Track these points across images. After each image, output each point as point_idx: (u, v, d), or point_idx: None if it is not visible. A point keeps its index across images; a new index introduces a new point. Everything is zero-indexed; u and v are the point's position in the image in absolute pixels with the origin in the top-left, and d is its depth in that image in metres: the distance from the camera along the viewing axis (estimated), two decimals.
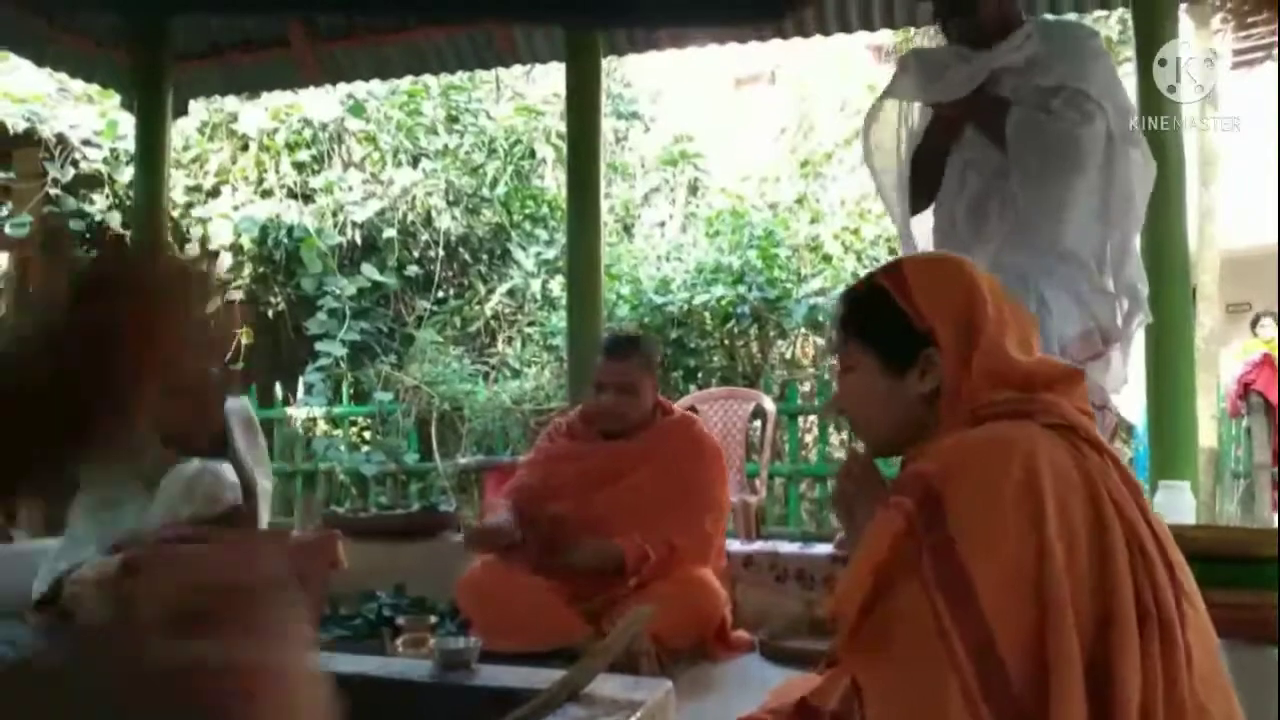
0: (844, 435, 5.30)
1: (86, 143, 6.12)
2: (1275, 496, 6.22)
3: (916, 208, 2.58)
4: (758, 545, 3.41)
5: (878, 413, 1.32)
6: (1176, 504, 2.81)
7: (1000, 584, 1.01)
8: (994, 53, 2.39)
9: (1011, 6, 2.48)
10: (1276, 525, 5.13)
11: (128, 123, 5.32)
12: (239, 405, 3.62)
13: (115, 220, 6.13)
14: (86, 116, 6.21)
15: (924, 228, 2.63)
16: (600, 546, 2.66)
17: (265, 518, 3.57)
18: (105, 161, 6.15)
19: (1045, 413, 1.16)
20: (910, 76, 2.50)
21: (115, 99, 5.65)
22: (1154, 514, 1.13)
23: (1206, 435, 6.14)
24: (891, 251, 4.87)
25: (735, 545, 3.32)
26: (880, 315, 1.29)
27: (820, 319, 5.56)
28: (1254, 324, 6.99)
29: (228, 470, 3.27)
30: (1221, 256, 7.07)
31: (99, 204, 6.14)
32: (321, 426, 6.04)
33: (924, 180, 2.54)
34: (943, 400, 1.24)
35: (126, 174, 5.98)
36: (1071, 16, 3.89)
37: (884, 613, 1.07)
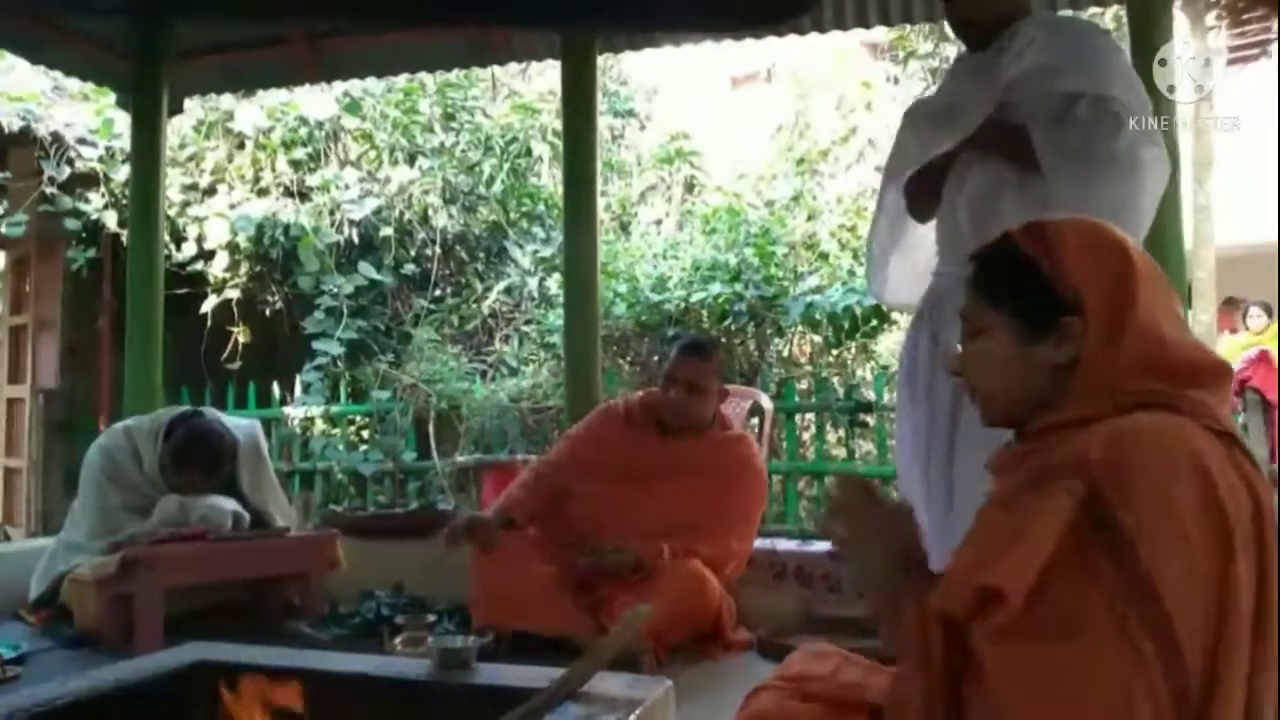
0: (840, 434, 5.31)
1: (82, 141, 6.11)
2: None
3: (924, 218, 2.51)
4: (756, 543, 3.41)
5: (1002, 381, 1.24)
6: None
7: (1185, 592, 0.97)
8: (997, 64, 2.32)
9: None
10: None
11: (123, 121, 5.31)
12: (249, 432, 3.55)
13: (111, 219, 6.12)
14: (82, 115, 6.20)
15: (916, 237, 2.59)
16: (620, 555, 2.69)
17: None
18: (101, 160, 6.13)
19: (1198, 413, 1.08)
20: (912, 139, 2.44)
21: (111, 97, 5.65)
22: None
23: None
24: None
25: None
26: (1020, 274, 1.21)
27: (817, 316, 5.57)
28: (1244, 315, 7.00)
29: (227, 502, 3.29)
30: (1217, 254, 7.09)
31: (95, 203, 6.13)
32: (319, 426, 6.04)
33: (927, 190, 2.45)
34: (1078, 375, 1.15)
35: (122, 172, 5.96)
36: (1067, 13, 3.89)
37: (1045, 604, 1.00)
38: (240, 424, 3.54)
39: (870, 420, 5.15)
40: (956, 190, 2.37)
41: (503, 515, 2.87)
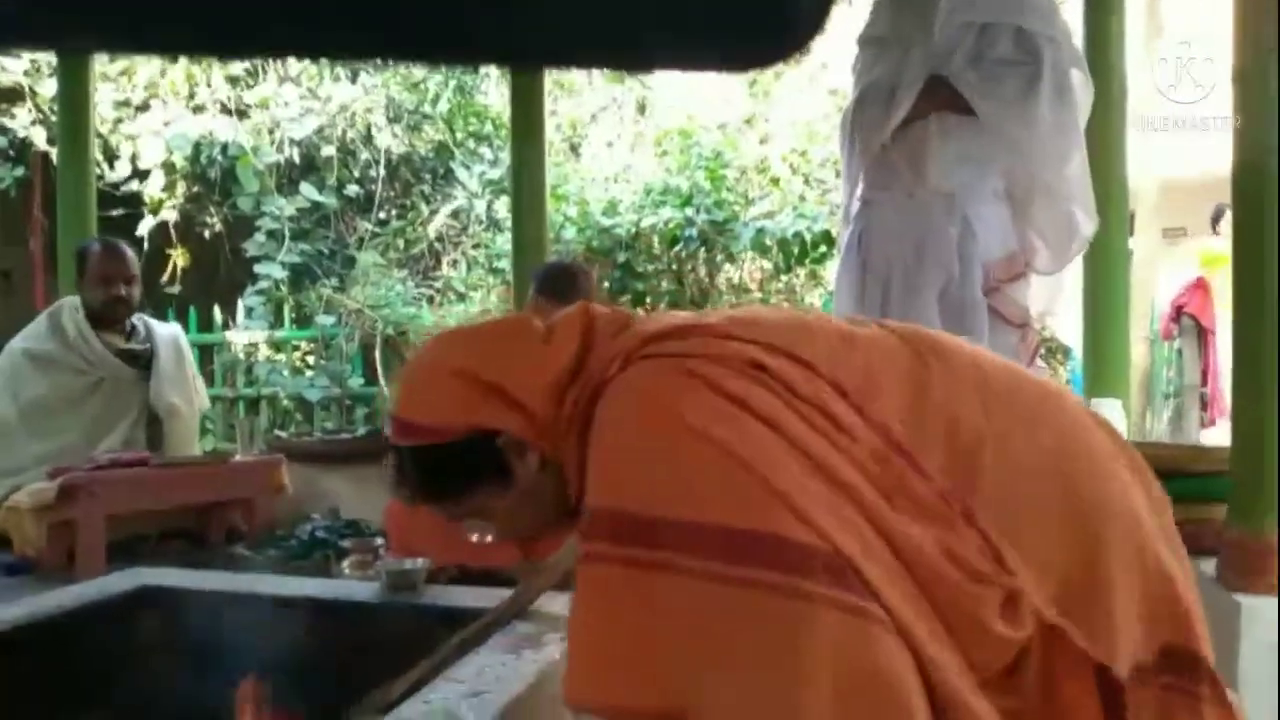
0: None
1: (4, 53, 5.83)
2: (1202, 415, 6.44)
3: (873, 146, 2.57)
4: None
5: (530, 519, 1.17)
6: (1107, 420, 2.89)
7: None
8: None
9: None
10: (1201, 442, 5.34)
11: None
12: (170, 331, 3.58)
13: (40, 136, 5.88)
14: None
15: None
16: None
17: (193, 438, 3.55)
18: (26, 74, 5.86)
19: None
20: (864, 121, 2.53)
21: None
22: None
23: (1140, 357, 6.32)
24: (837, 175, 4.85)
25: None
26: (446, 465, 1.11)
27: (767, 242, 5.57)
28: (1215, 221, 6.87)
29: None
30: (1158, 183, 7.18)
31: (21, 119, 5.88)
32: (263, 351, 5.94)
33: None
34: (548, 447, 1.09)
35: (49, 87, 5.71)
36: None
37: None
38: (161, 327, 3.57)
39: None
40: (891, 130, 2.46)
41: None
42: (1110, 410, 3.01)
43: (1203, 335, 6.52)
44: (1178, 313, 6.61)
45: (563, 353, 1.07)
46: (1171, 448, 3.18)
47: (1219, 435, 5.78)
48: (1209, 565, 1.93)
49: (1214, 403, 6.33)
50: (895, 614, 0.85)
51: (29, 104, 5.89)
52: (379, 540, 2.78)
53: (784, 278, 5.88)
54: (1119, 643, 0.90)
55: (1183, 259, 7.32)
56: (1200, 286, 6.57)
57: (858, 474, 0.90)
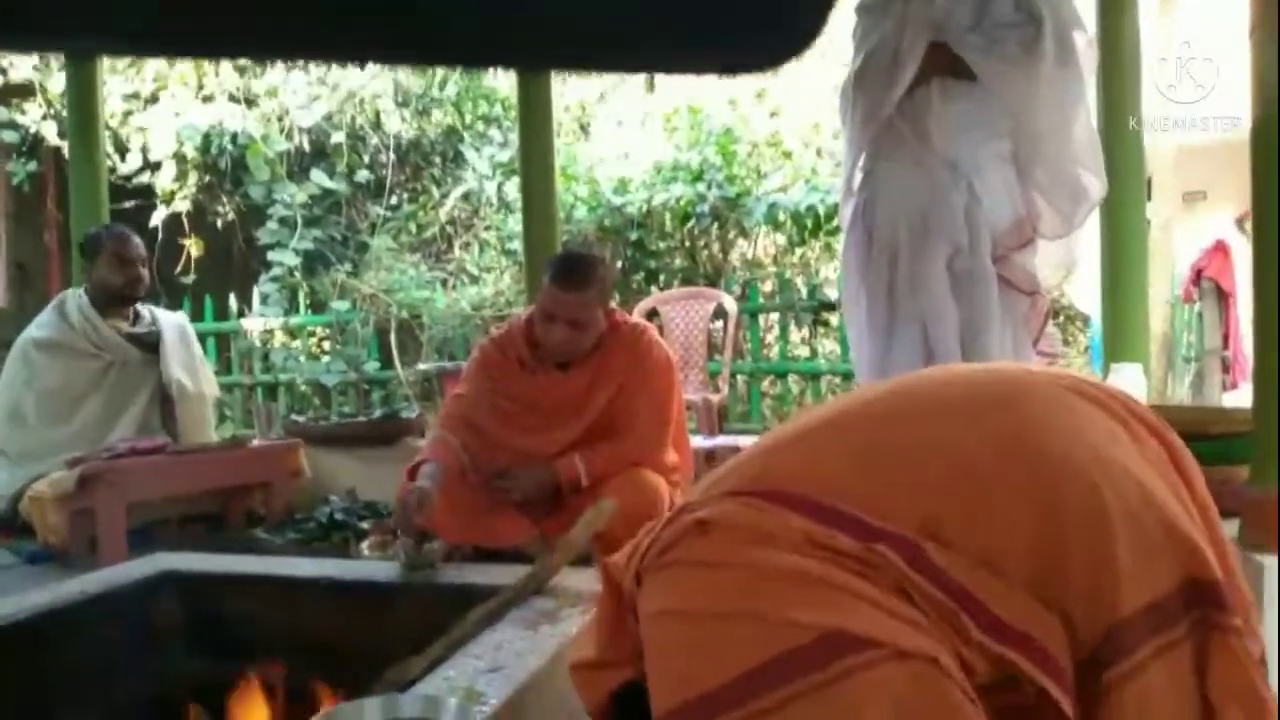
0: (804, 333, 5.33)
1: None
2: (1224, 378, 6.38)
3: (878, 115, 2.53)
4: (720, 440, 3.46)
5: None
6: (1127, 384, 2.87)
7: None
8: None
9: None
10: (1223, 404, 5.29)
11: None
12: (174, 317, 3.63)
13: (51, 131, 5.90)
14: None
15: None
16: (535, 475, 2.55)
17: (206, 421, 3.58)
18: (35, 69, 5.88)
19: None
20: (866, 89, 2.50)
21: None
22: None
23: (1160, 321, 6.26)
24: None
25: (698, 441, 3.35)
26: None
27: (780, 216, 5.53)
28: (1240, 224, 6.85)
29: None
30: (1178, 146, 7.09)
31: (32, 114, 5.90)
32: (279, 338, 5.97)
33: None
34: None
35: (59, 81, 5.73)
36: None
37: None
38: (165, 314, 3.64)
39: (833, 319, 5.17)
40: (896, 100, 2.44)
41: (440, 477, 2.63)
42: (1130, 375, 2.98)
43: (1223, 298, 6.45)
44: (1198, 276, 6.54)
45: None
46: (1192, 410, 3.16)
47: (1241, 398, 5.72)
48: (1231, 527, 1.91)
49: (1235, 366, 6.27)
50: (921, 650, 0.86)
51: (39, 99, 5.91)
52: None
53: (798, 251, 5.85)
54: (1120, 590, 0.89)
55: (1203, 222, 7.24)
56: (1220, 249, 6.49)
57: (848, 575, 0.91)
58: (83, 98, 4.41)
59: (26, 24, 0.43)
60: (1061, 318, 6.26)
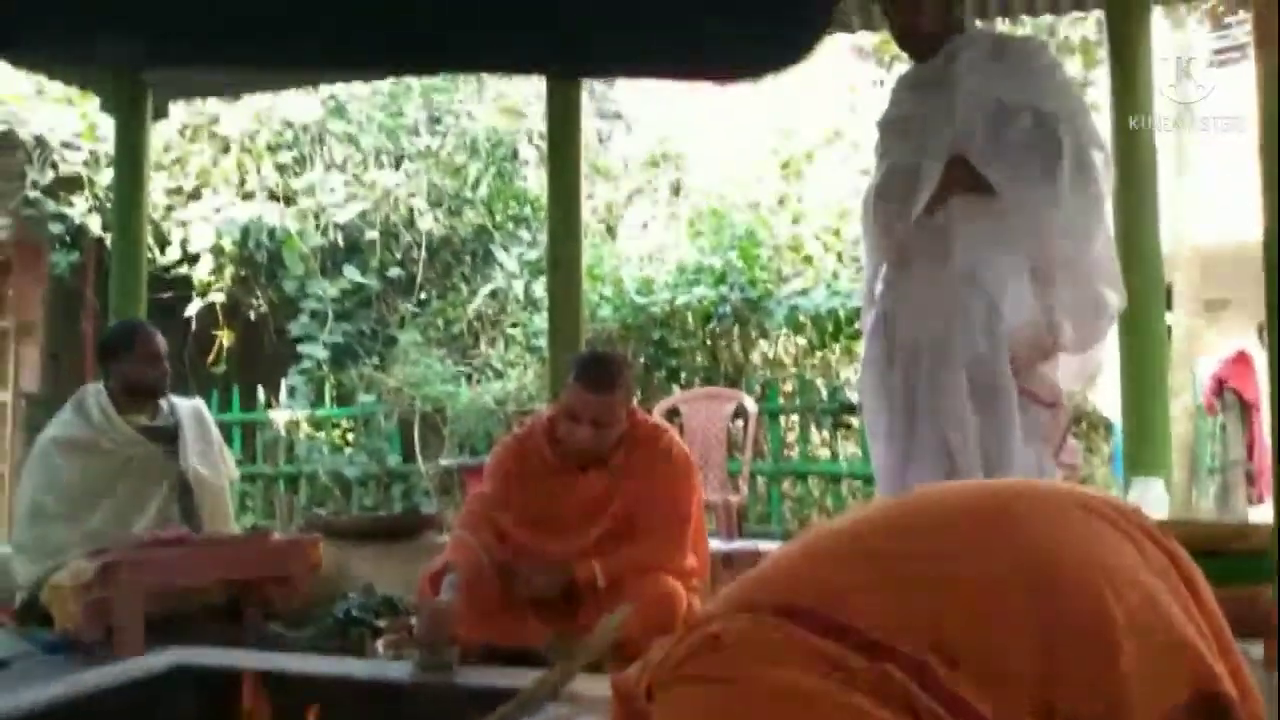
0: (825, 435, 5.33)
1: (66, 145, 6.08)
2: (1249, 491, 6.29)
3: (897, 229, 2.57)
4: (738, 544, 3.44)
5: None
6: (1149, 499, 2.85)
7: None
8: (945, 75, 2.48)
9: (949, 13, 2.54)
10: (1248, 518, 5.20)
11: (107, 125, 5.29)
12: (192, 404, 3.67)
13: (95, 223, 6.09)
14: (66, 118, 6.16)
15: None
16: (549, 573, 2.54)
17: (227, 508, 3.60)
18: (85, 164, 6.11)
19: None
20: (888, 203, 2.56)
21: (95, 101, 5.62)
22: None
23: (1183, 432, 6.20)
24: None
25: (716, 544, 3.32)
26: None
27: (801, 318, 5.59)
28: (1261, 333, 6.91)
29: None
30: (1201, 254, 7.13)
31: (79, 207, 6.11)
32: (304, 429, 6.03)
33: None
34: None
35: (106, 176, 5.94)
36: (1047, 18, 3.93)
37: None
38: (183, 402, 3.66)
39: (854, 421, 5.17)
40: (916, 214, 2.47)
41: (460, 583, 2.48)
42: (1151, 490, 2.96)
43: (1246, 409, 6.41)
44: (1220, 386, 6.52)
45: None
46: (1210, 526, 3.11)
47: (1267, 512, 5.64)
48: (1256, 649, 1.87)
49: (1261, 478, 6.18)
50: None
51: (87, 192, 6.12)
52: (413, 619, 2.78)
53: (818, 353, 5.89)
54: (1128, 702, 0.90)
55: (1225, 331, 7.25)
56: (1242, 359, 6.48)
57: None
58: (129, 191, 4.57)
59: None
60: (1084, 424, 6.22)
